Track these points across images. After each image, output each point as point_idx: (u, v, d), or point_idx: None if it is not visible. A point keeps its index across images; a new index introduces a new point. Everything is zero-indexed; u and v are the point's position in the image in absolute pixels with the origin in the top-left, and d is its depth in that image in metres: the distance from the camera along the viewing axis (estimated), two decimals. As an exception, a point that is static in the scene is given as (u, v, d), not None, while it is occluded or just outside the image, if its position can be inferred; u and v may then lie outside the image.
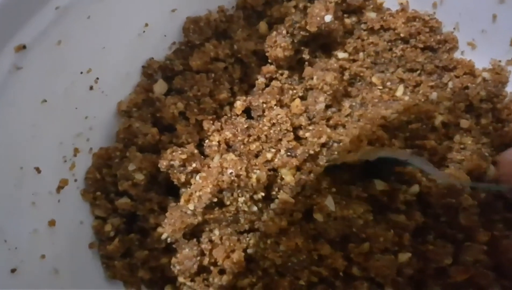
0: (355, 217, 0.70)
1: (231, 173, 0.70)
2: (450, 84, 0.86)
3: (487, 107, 0.83)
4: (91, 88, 0.75)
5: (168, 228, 0.73)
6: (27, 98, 0.62)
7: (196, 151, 0.77)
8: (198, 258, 0.73)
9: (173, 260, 0.74)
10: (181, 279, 0.74)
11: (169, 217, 0.74)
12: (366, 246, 0.70)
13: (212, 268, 0.73)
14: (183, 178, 0.74)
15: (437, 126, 0.80)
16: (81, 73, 0.71)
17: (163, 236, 0.74)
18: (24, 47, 0.58)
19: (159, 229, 0.75)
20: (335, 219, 0.71)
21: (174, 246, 0.75)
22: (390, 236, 0.70)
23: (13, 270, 0.59)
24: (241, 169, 0.71)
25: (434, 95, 0.84)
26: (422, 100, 0.84)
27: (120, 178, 0.76)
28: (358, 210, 0.70)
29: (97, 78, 0.75)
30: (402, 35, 0.88)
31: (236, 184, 0.70)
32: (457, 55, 0.89)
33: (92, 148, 0.78)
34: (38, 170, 0.66)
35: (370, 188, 0.74)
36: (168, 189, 0.80)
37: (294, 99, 0.84)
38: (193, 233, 0.75)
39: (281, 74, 0.86)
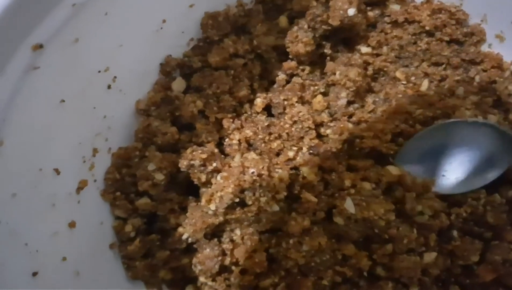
0: (376, 219, 0.69)
1: (253, 172, 0.69)
2: (477, 78, 0.84)
3: (516, 102, 0.80)
4: (109, 87, 0.74)
5: (189, 228, 0.72)
6: (44, 98, 0.61)
7: (216, 150, 0.76)
8: (220, 258, 0.72)
9: (194, 260, 0.73)
10: (202, 279, 0.73)
11: (190, 217, 0.73)
12: (389, 247, 0.69)
13: (233, 268, 0.72)
14: (203, 177, 0.73)
15: (464, 121, 0.78)
16: (99, 72, 0.71)
17: (184, 236, 0.73)
18: (41, 46, 0.57)
19: (180, 229, 0.75)
20: (356, 222, 0.70)
21: (195, 246, 0.74)
22: (413, 237, 0.69)
23: (34, 274, 0.59)
24: (263, 168, 0.69)
25: (460, 89, 0.82)
26: (448, 94, 0.82)
27: (139, 178, 0.75)
28: (379, 211, 0.69)
29: (115, 77, 0.74)
30: (427, 28, 0.85)
31: (258, 184, 0.69)
32: (484, 48, 0.87)
33: (111, 148, 0.77)
34: (57, 171, 0.66)
35: (386, 175, 0.73)
36: (188, 189, 0.79)
37: (315, 95, 0.82)
38: (214, 233, 0.74)
39: (302, 70, 0.84)
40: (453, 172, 0.77)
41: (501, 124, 0.78)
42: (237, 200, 0.69)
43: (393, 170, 0.74)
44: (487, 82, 0.82)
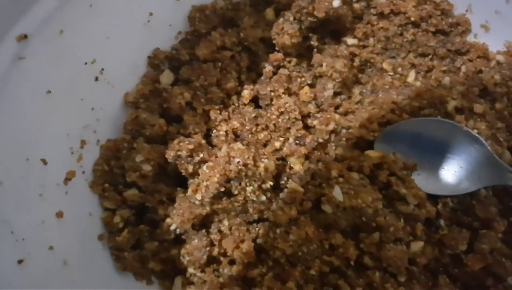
0: (364, 207, 0.69)
1: (238, 162, 0.69)
2: (463, 68, 0.84)
3: (502, 91, 0.80)
4: (96, 79, 0.74)
5: (177, 219, 0.72)
6: (31, 88, 0.62)
7: (203, 141, 0.76)
8: (208, 248, 0.72)
9: (183, 251, 0.73)
10: (191, 270, 0.73)
11: (177, 208, 0.73)
12: (376, 236, 0.69)
13: (222, 258, 0.72)
14: (190, 168, 0.74)
15: (450, 111, 0.79)
16: (86, 63, 0.71)
17: (172, 227, 0.74)
18: (25, 36, 0.58)
19: (168, 220, 0.75)
20: (344, 210, 0.70)
21: (183, 237, 0.75)
22: (400, 226, 0.69)
23: (20, 261, 0.59)
24: (248, 158, 0.70)
25: (446, 80, 0.82)
26: (435, 85, 0.82)
27: (128, 170, 0.76)
28: (367, 199, 0.69)
29: (102, 69, 0.75)
30: (412, 19, 0.86)
31: (243, 173, 0.69)
32: (470, 38, 0.87)
33: (99, 140, 0.78)
34: (44, 161, 0.66)
35: (366, 160, 0.73)
36: (177, 181, 0.79)
37: (302, 87, 0.83)
38: (202, 223, 0.74)
39: (289, 62, 0.85)
40: (432, 170, 0.77)
41: (487, 113, 0.78)
42: (223, 189, 0.70)
43: (372, 153, 0.74)
44: (473, 72, 0.83)
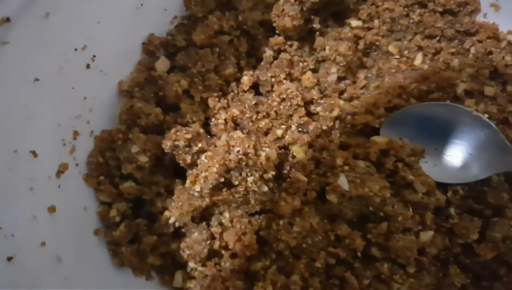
0: (371, 196, 0.66)
1: (238, 151, 0.66)
2: (472, 50, 0.82)
3: (514, 72, 0.78)
4: (88, 66, 0.72)
5: (176, 211, 0.70)
6: (17, 76, 0.59)
7: (201, 130, 0.73)
8: (208, 242, 0.70)
9: (182, 244, 0.71)
10: (191, 264, 0.71)
11: (176, 200, 0.71)
12: (384, 226, 0.67)
13: (223, 252, 0.70)
14: (189, 159, 0.71)
15: (460, 95, 0.77)
16: (75, 50, 0.69)
17: (171, 220, 0.71)
18: (8, 19, 0.54)
19: (166, 213, 0.73)
20: (350, 199, 0.68)
21: (183, 230, 0.72)
22: (409, 215, 0.67)
23: (9, 258, 0.57)
24: (249, 147, 0.67)
25: (455, 62, 0.80)
26: (443, 68, 0.80)
27: (123, 161, 0.74)
28: (374, 187, 0.67)
29: (94, 56, 0.72)
30: (419, -2, 0.83)
31: (244, 163, 0.66)
32: (479, 18, 0.85)
33: (93, 131, 0.75)
34: (34, 153, 0.63)
35: (373, 146, 0.71)
36: (175, 172, 0.77)
37: (305, 72, 0.81)
38: (203, 216, 0.72)
39: (290, 46, 0.82)
40: (440, 157, 0.75)
41: (498, 96, 0.76)
42: (222, 180, 0.67)
43: (379, 139, 0.72)
44: (483, 53, 0.80)
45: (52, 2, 0.61)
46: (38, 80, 0.62)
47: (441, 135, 0.75)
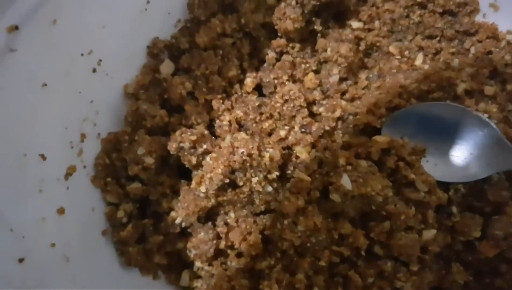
0: (373, 195, 0.67)
1: (242, 152, 0.67)
2: (472, 50, 0.82)
3: (513, 72, 0.78)
4: (94, 70, 0.72)
5: (182, 212, 0.71)
6: (25, 81, 0.60)
7: (206, 131, 0.74)
8: (214, 241, 0.71)
9: (189, 244, 0.72)
10: (198, 263, 0.72)
11: (182, 201, 0.72)
12: (387, 225, 0.68)
13: (229, 251, 0.71)
14: (194, 160, 0.72)
15: (460, 94, 0.77)
16: (82, 54, 0.69)
17: (177, 221, 0.72)
18: (16, 27, 0.55)
19: (173, 214, 0.73)
20: (353, 198, 0.68)
21: (189, 230, 0.73)
22: (411, 214, 0.67)
23: (21, 260, 0.58)
24: (253, 148, 0.68)
25: (455, 62, 0.80)
26: (443, 67, 0.80)
27: (129, 163, 0.74)
28: (376, 186, 0.67)
29: (100, 60, 0.73)
30: (418, -1, 0.83)
31: (248, 164, 0.67)
32: (478, 18, 0.85)
33: (100, 133, 0.76)
34: (43, 157, 0.64)
35: (374, 145, 0.72)
36: (180, 172, 0.78)
37: (307, 73, 0.81)
38: (208, 216, 0.73)
39: (292, 48, 0.83)
40: (441, 156, 0.75)
41: (498, 95, 0.76)
42: (227, 181, 0.68)
43: (380, 138, 0.72)
44: (483, 53, 0.81)
45: (58, 8, 0.62)
46: (46, 85, 0.63)
47: (441, 134, 0.75)
